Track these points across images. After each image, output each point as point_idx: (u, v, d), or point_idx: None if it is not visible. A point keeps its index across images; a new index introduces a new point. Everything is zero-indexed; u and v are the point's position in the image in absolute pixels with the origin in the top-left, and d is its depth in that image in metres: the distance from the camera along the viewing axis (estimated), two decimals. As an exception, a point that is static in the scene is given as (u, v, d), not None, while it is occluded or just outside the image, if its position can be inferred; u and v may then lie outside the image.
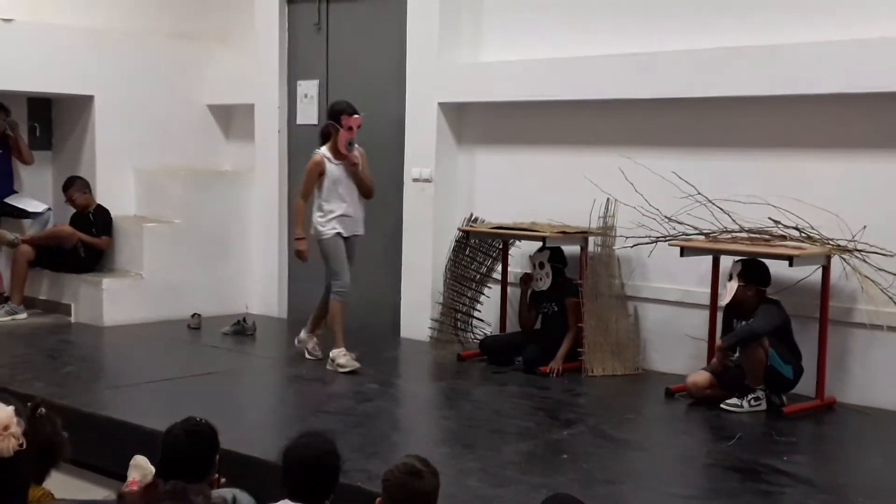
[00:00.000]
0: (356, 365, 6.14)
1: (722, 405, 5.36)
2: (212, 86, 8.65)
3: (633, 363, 6.31)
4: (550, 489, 3.73)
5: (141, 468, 3.13)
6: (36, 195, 8.26)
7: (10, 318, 7.65)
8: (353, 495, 3.74)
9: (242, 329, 7.35)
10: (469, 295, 6.99)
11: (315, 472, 3.03)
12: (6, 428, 2.25)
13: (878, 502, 4.04)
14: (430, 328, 7.07)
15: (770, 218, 5.64)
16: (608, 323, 6.31)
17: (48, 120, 8.53)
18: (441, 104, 7.13)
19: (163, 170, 8.33)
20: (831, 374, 5.52)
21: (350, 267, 6.40)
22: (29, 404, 2.78)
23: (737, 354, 5.48)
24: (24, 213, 8.07)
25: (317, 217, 6.31)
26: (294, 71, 8.14)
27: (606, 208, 6.35)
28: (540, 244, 6.44)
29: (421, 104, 7.21)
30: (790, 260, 5.25)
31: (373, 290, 7.66)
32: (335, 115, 6.26)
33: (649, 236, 6.04)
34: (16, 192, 8.15)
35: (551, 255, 6.36)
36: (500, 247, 6.87)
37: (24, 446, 2.27)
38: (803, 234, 5.55)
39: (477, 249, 6.97)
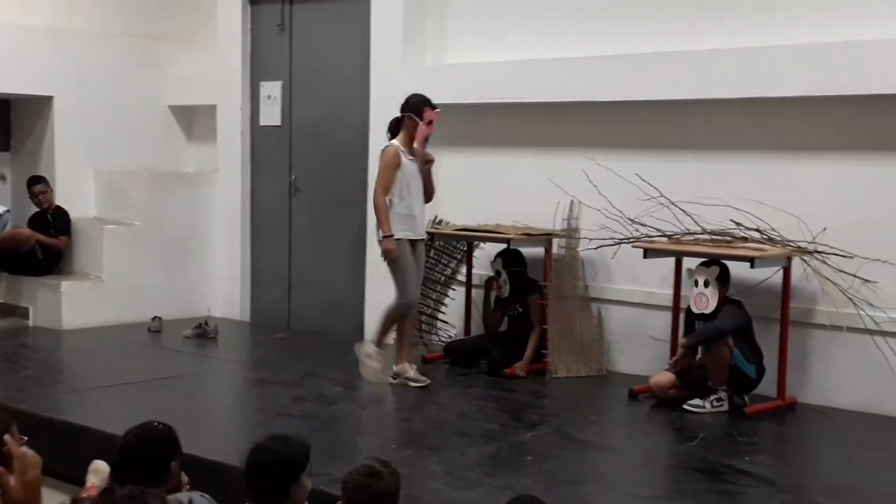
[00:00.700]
0: (380, 376, 5.88)
1: (684, 406, 5.39)
2: (174, 86, 8.56)
3: (597, 364, 6.33)
4: (514, 491, 3.72)
5: (100, 473, 3.09)
6: (-7, 197, 8.15)
7: (-34, 322, 7.53)
8: (316, 498, 3.70)
9: (204, 332, 7.28)
10: (433, 297, 6.97)
11: (272, 475, 3.00)
12: None
13: (839, 501, 4.08)
14: (395, 330, 7.03)
15: (732, 220, 5.69)
16: (572, 325, 6.33)
17: (6, 121, 8.38)
18: (405, 106, 7.10)
19: (123, 171, 8.23)
20: (792, 375, 5.58)
21: (420, 274, 6.02)
22: None
23: (699, 355, 5.52)
24: (-18, 216, 7.94)
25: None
26: (257, 72, 8.08)
27: (570, 210, 6.37)
28: (498, 251, 6.43)
29: (385, 106, 7.15)
30: (752, 261, 5.30)
31: (337, 292, 7.63)
32: (416, 107, 5.77)
33: (613, 238, 6.07)
34: (-27, 195, 8.02)
35: (505, 262, 6.35)
36: (465, 249, 6.87)
37: None
38: (764, 236, 5.61)
39: (441, 251, 6.96)
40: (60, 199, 7.92)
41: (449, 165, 7.21)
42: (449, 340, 6.79)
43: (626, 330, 6.36)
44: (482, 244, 6.77)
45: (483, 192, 6.95)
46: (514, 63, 6.64)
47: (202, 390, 6.06)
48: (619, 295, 6.40)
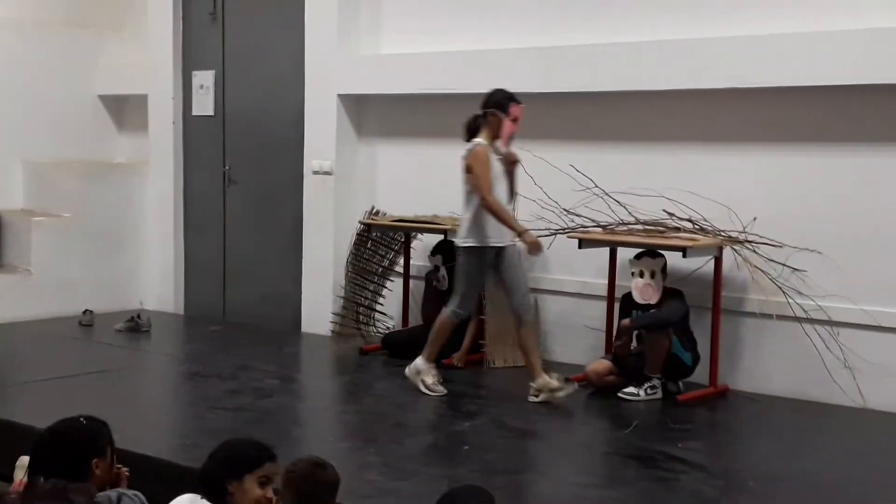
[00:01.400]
0: (442, 391, 5.50)
1: (619, 394, 5.45)
2: (104, 76, 8.40)
3: (534, 354, 6.36)
4: (452, 481, 3.73)
5: (27, 469, 3.01)
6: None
7: None
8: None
9: (137, 326, 7.16)
10: (371, 288, 6.95)
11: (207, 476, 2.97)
12: None
13: (770, 486, 4.15)
14: (332, 322, 7.01)
15: (665, 210, 5.76)
16: (509, 315, 6.34)
17: (-71, 111, 8.15)
18: (341, 96, 7.06)
19: (52, 162, 8.05)
20: (724, 363, 5.68)
21: (521, 280, 5.45)
22: None
23: (634, 344, 5.59)
24: None
25: (465, 215, 5.43)
26: (189, 61, 7.96)
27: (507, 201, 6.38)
28: (435, 248, 6.42)
29: (320, 96, 7.13)
30: (684, 251, 5.37)
31: (273, 284, 7.56)
32: (501, 103, 5.37)
33: (548, 229, 6.10)
34: None
35: (444, 258, 6.35)
36: (402, 240, 6.85)
37: None
38: (696, 226, 5.69)
39: (379, 243, 6.93)
40: (-14, 191, 7.74)
41: (386, 156, 7.20)
42: (387, 332, 6.77)
43: (562, 320, 6.40)
44: (420, 235, 6.76)
45: (420, 183, 6.93)
46: (449, 54, 6.64)
47: (134, 384, 5.95)
48: (554, 285, 6.45)
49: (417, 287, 6.77)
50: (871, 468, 4.51)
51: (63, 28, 8.21)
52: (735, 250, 5.61)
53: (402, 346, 6.46)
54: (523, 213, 6.28)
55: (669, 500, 3.99)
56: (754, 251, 5.58)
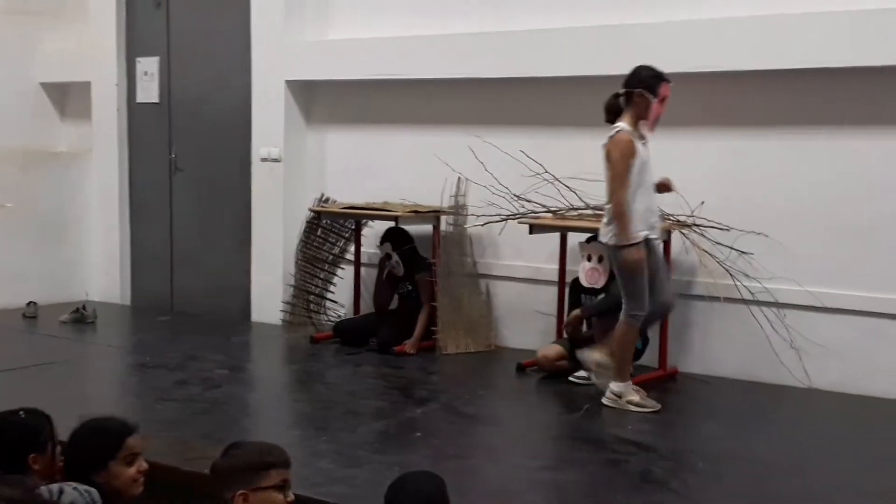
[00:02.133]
0: (656, 406, 4.99)
1: (570, 378, 5.48)
2: (45, 63, 8.22)
3: (486, 340, 6.37)
4: (403, 467, 3.71)
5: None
6: None
7: None
8: (201, 483, 3.62)
9: (82, 317, 7.05)
10: (322, 276, 6.89)
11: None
12: None
13: (718, 466, 4.20)
14: (282, 311, 6.94)
15: (614, 195, 5.78)
16: (461, 301, 6.35)
17: None
18: (288, 82, 6.99)
19: (-8, 151, 7.87)
20: (673, 345, 5.73)
21: (668, 274, 5.18)
22: None
23: (584, 328, 5.61)
24: None
25: (609, 209, 4.90)
26: (133, 47, 7.81)
27: (458, 187, 6.37)
28: (384, 236, 6.38)
29: (267, 82, 7.04)
30: (633, 235, 5.39)
31: (222, 273, 7.48)
32: (649, 82, 4.83)
33: (499, 214, 6.10)
34: None
35: (394, 244, 6.32)
36: (353, 227, 6.81)
37: None
38: (646, 211, 5.71)
39: (329, 230, 6.88)
40: (-77, 181, 7.53)
41: (335, 142, 7.14)
42: (338, 320, 6.73)
43: (514, 305, 6.41)
44: (370, 222, 6.72)
45: (371, 169, 6.90)
46: (398, 39, 6.59)
47: (80, 377, 5.85)
48: (506, 271, 6.45)
49: (369, 274, 6.73)
50: (816, 447, 4.58)
51: (2, 15, 8.01)
52: (683, 234, 5.65)
53: (353, 333, 6.43)
54: (474, 199, 6.29)
55: (619, 481, 4.02)
56: (702, 235, 5.63)
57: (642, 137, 4.93)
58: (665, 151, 5.81)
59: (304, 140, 7.16)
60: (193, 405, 4.96)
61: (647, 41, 5.68)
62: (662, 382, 5.60)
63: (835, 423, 5.01)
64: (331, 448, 4.28)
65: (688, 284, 5.80)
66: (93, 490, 2.86)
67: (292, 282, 6.85)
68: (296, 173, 7.09)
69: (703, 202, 5.64)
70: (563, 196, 5.95)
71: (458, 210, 6.39)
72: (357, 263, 6.78)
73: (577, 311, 5.59)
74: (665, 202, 5.65)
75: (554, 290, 6.01)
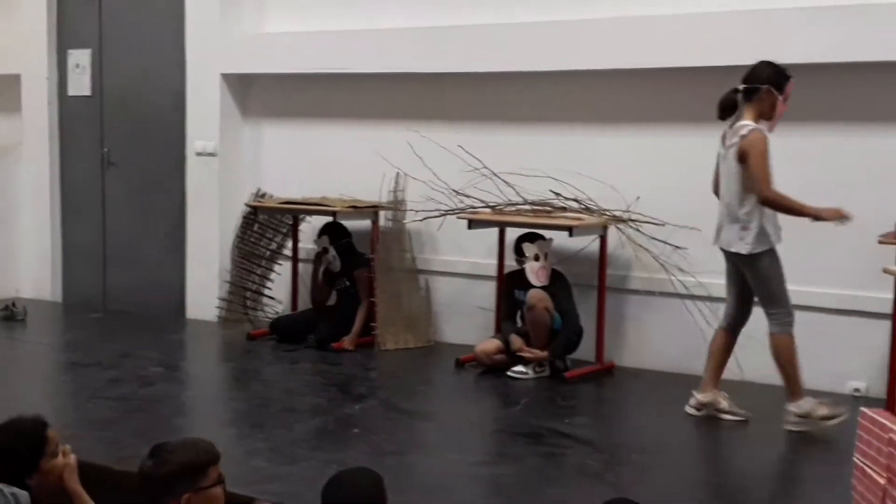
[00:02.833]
0: (844, 412, 4.57)
1: (508, 373, 5.50)
2: (-28, 54, 7.99)
3: (426, 336, 6.37)
4: (340, 464, 3.69)
5: None
6: None
7: None
8: (133, 483, 3.55)
9: (12, 314, 6.90)
10: (259, 272, 6.83)
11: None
12: None
13: (651, 458, 4.26)
14: (218, 308, 6.86)
15: (551, 190, 5.83)
16: (400, 297, 6.34)
17: None
18: (224, 75, 6.90)
19: (-84, 144, 7.64)
20: (609, 339, 5.79)
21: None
22: None
23: (519, 324, 5.65)
24: None
25: (743, 216, 4.58)
26: (64, 39, 7.63)
27: (396, 182, 6.36)
28: (321, 230, 6.36)
29: (202, 75, 6.94)
30: (570, 230, 5.45)
31: (156, 269, 7.36)
32: (776, 79, 4.55)
33: (438, 210, 6.10)
34: None
35: (331, 238, 6.29)
36: (291, 223, 6.75)
37: None
38: (582, 206, 5.77)
39: (266, 226, 6.82)
40: None
41: (272, 137, 7.07)
42: (275, 316, 6.67)
43: (453, 300, 6.42)
44: (308, 218, 6.67)
45: (308, 164, 6.84)
46: (334, 33, 6.55)
47: (10, 375, 5.70)
48: (445, 266, 6.46)
49: (306, 270, 6.68)
50: (749, 438, 4.66)
51: (-75, 3, 7.79)
52: (619, 229, 5.72)
53: (291, 330, 6.38)
54: (413, 194, 6.28)
55: (556, 474, 4.05)
56: (637, 230, 5.70)
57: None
58: (602, 147, 5.92)
59: (240, 134, 7.08)
60: (127, 403, 4.88)
61: (582, 38, 5.75)
62: (599, 376, 5.66)
63: (764, 413, 5.08)
64: (267, 446, 4.24)
65: (624, 279, 5.87)
66: (21, 493, 2.79)
67: (228, 278, 6.78)
68: (232, 168, 7.01)
69: (638, 197, 5.70)
70: (501, 191, 5.97)
71: (397, 205, 6.38)
72: (294, 259, 6.73)
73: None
74: (601, 197, 5.72)
75: (493, 285, 6.04)
